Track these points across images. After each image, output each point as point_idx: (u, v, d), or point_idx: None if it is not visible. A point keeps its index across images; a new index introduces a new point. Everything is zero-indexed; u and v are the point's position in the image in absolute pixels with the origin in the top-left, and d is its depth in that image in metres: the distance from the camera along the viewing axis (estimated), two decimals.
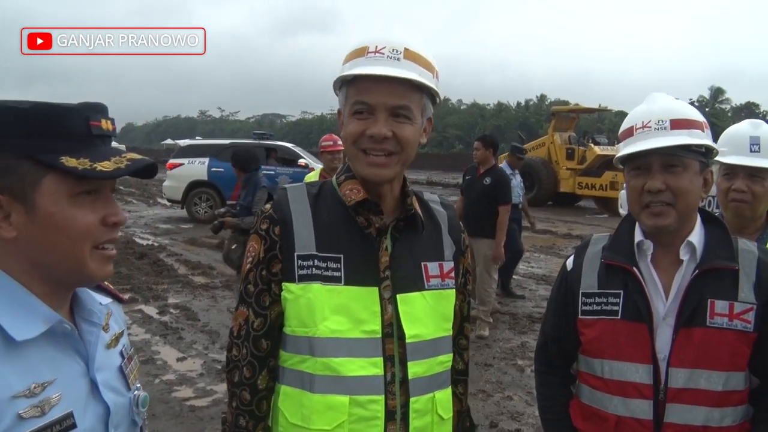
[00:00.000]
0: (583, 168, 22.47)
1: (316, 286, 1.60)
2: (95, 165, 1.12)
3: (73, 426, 1.14)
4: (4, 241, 1.13)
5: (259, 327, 1.68)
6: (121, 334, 1.39)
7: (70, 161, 1.12)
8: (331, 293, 1.61)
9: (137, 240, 14.03)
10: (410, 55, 1.61)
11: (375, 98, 1.58)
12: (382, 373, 1.61)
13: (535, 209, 21.90)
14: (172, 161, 18.04)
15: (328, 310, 1.60)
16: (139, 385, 1.38)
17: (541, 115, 72.48)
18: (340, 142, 6.25)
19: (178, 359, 6.57)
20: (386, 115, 1.58)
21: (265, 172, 16.54)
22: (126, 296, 1.50)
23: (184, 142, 19.67)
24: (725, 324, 1.77)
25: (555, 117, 25.18)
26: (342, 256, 1.63)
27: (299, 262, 1.62)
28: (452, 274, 1.77)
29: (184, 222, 17.56)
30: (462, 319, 1.89)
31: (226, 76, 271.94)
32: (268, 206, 1.70)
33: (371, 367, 1.61)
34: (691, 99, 70.87)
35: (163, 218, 18.73)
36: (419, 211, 1.74)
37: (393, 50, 1.60)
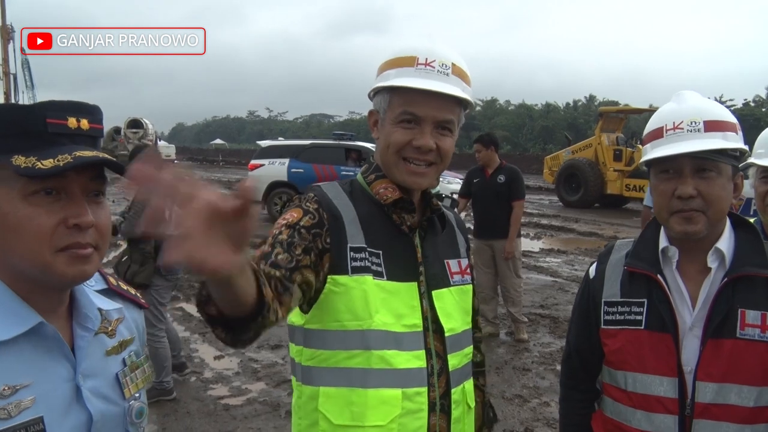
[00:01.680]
0: (631, 170, 21.94)
1: (370, 278, 1.61)
2: (36, 163, 1.10)
3: (42, 431, 1.11)
4: None
5: (284, 262, 1.47)
6: (131, 341, 1.36)
7: (18, 160, 1.10)
8: (378, 287, 1.62)
9: None
10: (457, 71, 1.67)
11: (424, 111, 1.63)
12: (426, 365, 1.65)
13: (582, 211, 21.65)
14: (253, 162, 17.90)
15: (379, 302, 1.61)
16: (138, 395, 1.33)
17: (590, 115, 71.21)
18: None
19: (216, 357, 6.65)
20: (432, 127, 1.64)
21: (344, 172, 16.48)
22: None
23: (265, 143, 19.27)
24: (757, 335, 1.66)
25: (602, 118, 24.64)
26: (381, 252, 1.65)
27: (352, 254, 1.61)
28: (469, 270, 1.86)
29: None
30: (474, 313, 1.92)
31: (275, 77, 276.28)
32: (311, 194, 1.66)
33: (416, 360, 1.64)
34: (746, 99, 69.07)
35: None
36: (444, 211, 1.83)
37: (442, 65, 1.65)
